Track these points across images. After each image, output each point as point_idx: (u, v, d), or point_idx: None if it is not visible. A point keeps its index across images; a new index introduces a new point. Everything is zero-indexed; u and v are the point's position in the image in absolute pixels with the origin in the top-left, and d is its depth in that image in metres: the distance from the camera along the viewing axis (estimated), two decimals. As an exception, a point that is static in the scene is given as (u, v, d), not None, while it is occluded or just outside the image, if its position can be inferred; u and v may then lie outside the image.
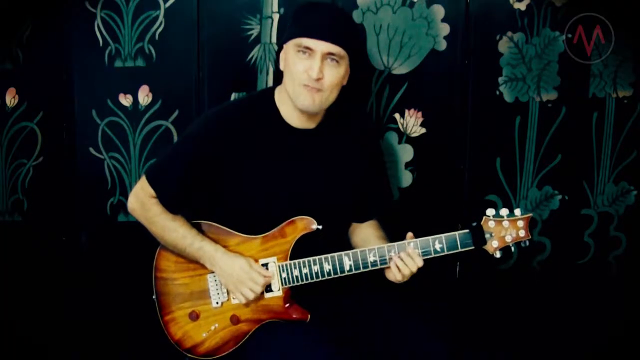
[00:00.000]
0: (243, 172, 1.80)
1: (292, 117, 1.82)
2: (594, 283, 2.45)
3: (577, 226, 2.42)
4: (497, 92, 2.31)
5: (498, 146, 2.35)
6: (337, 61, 1.72)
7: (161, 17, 2.27)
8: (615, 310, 2.45)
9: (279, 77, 1.85)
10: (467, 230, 1.73)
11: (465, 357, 2.33)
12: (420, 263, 1.73)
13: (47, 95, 2.34)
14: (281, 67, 1.80)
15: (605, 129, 2.37)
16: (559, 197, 2.38)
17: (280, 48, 1.83)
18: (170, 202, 1.83)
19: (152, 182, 1.83)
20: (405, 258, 1.72)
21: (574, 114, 2.34)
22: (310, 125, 1.83)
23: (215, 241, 1.82)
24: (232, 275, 1.77)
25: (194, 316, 1.84)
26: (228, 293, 1.83)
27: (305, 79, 1.71)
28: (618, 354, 2.42)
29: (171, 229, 1.82)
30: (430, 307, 1.90)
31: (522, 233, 1.73)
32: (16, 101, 2.34)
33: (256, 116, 1.82)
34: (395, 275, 1.74)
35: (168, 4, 2.26)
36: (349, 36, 1.74)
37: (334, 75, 1.73)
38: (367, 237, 1.92)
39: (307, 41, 1.70)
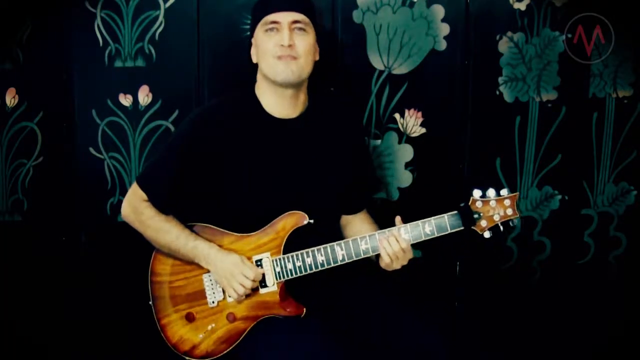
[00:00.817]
0: (232, 168, 1.82)
1: (274, 107, 1.85)
2: (594, 283, 2.45)
3: (577, 226, 2.42)
4: (497, 92, 2.31)
5: (498, 146, 2.35)
6: (304, 30, 1.79)
7: (161, 17, 2.27)
8: (615, 310, 2.45)
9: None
10: (455, 212, 1.75)
11: (464, 356, 2.33)
12: (404, 244, 1.74)
13: (47, 95, 2.34)
14: (254, 60, 1.87)
15: (605, 129, 2.37)
16: (559, 197, 2.38)
17: (249, 46, 1.89)
18: (162, 202, 1.85)
19: (142, 185, 1.86)
20: (390, 239, 1.74)
21: (574, 114, 2.34)
22: (292, 114, 1.85)
23: (211, 241, 1.83)
24: (224, 270, 1.79)
25: (191, 318, 1.84)
26: (224, 292, 1.83)
27: (278, 50, 1.77)
28: (618, 354, 2.42)
29: (165, 230, 1.83)
30: (429, 305, 1.91)
31: (509, 211, 1.75)
32: (16, 101, 2.34)
33: (239, 111, 1.85)
34: (384, 259, 1.75)
35: (168, 4, 2.26)
36: (310, 5, 1.84)
37: (305, 42, 1.80)
38: (360, 231, 1.92)
39: (272, 16, 1.78)
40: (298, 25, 1.79)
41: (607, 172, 2.39)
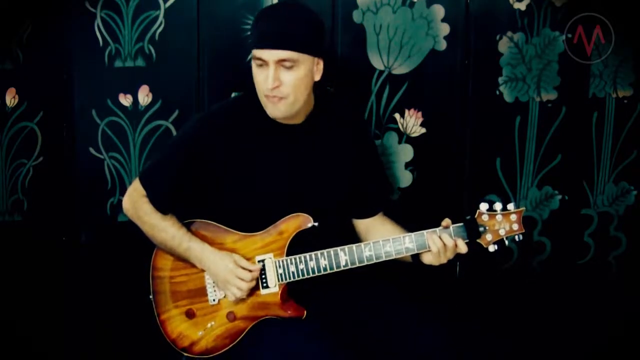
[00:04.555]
0: (235, 171, 1.81)
1: None
2: (594, 283, 2.45)
3: (577, 226, 2.42)
4: (497, 92, 2.31)
5: (498, 146, 2.35)
6: (292, 66, 1.69)
7: (161, 17, 2.27)
8: (615, 310, 2.46)
9: None
10: (461, 224, 1.74)
11: (465, 357, 2.33)
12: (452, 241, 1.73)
13: (47, 95, 2.34)
14: None
15: (605, 129, 2.37)
16: (559, 197, 2.39)
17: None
18: (160, 202, 1.84)
19: (143, 183, 1.86)
20: (443, 235, 1.72)
21: (574, 114, 2.34)
22: (297, 121, 1.83)
23: (213, 239, 1.83)
24: (218, 275, 1.78)
25: (191, 314, 1.84)
26: (224, 290, 1.83)
27: (265, 90, 1.71)
28: (618, 354, 2.42)
29: (160, 228, 1.83)
30: (429, 306, 1.90)
31: (515, 226, 1.73)
32: (16, 101, 2.34)
33: (243, 116, 1.83)
34: (433, 250, 1.73)
35: (168, 4, 2.27)
36: (303, 38, 1.69)
37: (292, 79, 1.70)
38: (386, 234, 1.86)
39: (259, 52, 1.69)
40: (285, 63, 1.67)
41: (607, 172, 2.39)
